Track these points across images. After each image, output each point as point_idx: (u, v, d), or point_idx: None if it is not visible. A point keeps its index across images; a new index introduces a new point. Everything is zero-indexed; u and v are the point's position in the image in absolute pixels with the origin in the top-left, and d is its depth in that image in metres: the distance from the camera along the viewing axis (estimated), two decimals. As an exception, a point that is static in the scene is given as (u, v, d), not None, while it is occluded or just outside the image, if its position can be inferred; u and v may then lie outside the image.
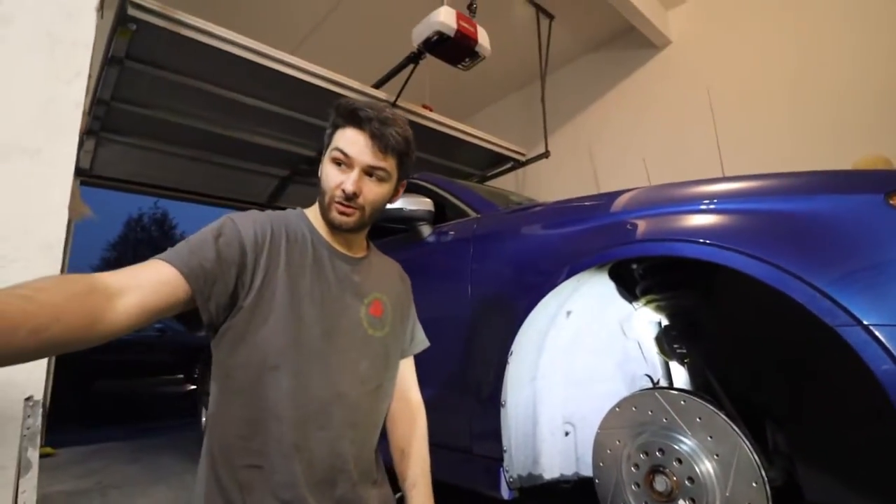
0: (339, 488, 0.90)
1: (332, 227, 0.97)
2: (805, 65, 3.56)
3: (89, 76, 1.53)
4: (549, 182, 4.93)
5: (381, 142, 0.93)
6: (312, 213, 1.03)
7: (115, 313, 0.68)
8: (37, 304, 0.58)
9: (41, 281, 0.63)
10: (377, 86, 3.49)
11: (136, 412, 5.58)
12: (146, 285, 0.73)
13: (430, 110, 3.70)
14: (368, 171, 0.94)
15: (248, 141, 3.72)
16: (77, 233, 4.03)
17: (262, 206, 4.87)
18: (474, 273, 1.65)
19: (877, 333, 0.81)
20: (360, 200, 0.94)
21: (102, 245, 29.38)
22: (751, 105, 3.75)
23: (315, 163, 4.18)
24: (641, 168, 3.65)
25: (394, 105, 3.40)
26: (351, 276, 0.99)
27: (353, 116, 0.93)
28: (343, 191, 0.93)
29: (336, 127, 0.96)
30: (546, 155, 4.32)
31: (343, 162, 0.94)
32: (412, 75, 3.34)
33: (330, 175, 0.95)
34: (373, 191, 0.96)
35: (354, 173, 0.93)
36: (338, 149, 0.93)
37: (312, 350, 0.90)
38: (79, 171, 3.86)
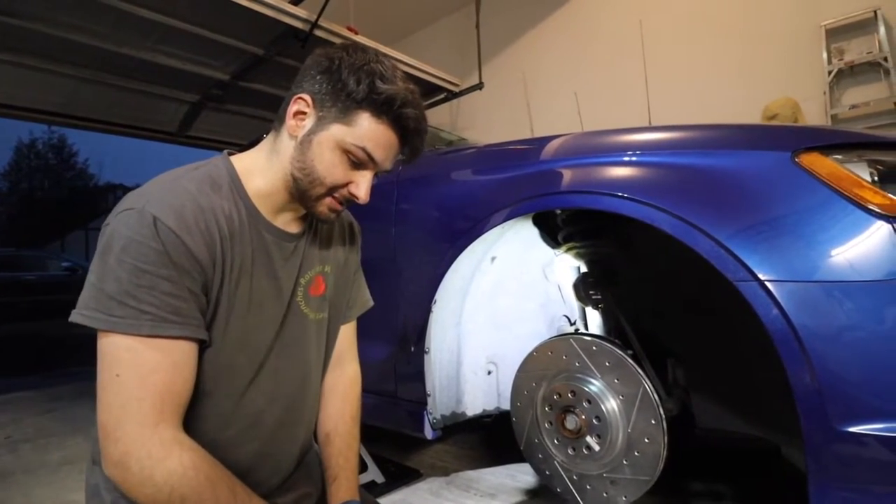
0: (272, 480, 0.83)
1: (314, 217, 0.82)
2: (729, 4, 3.62)
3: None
4: (483, 114, 4.82)
5: (412, 157, 0.80)
6: (245, 170, 0.77)
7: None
8: None
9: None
10: (295, 2, 3.14)
11: (48, 358, 5.23)
12: (184, 391, 0.67)
13: (356, 33, 3.42)
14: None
15: (148, 61, 3.30)
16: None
17: (171, 136, 4.44)
18: (398, 218, 1.59)
19: (770, 288, 0.86)
20: None
21: (-10, 176, 25.90)
22: (678, 41, 3.79)
23: (228, 87, 3.84)
24: (573, 102, 3.64)
25: (315, 26, 3.09)
26: (293, 255, 0.82)
27: (397, 119, 0.74)
28: (353, 195, 0.76)
29: (360, 105, 0.72)
30: (480, 86, 4.19)
31: (359, 162, 0.75)
32: (335, -9, 3.03)
33: (336, 167, 0.74)
34: None
35: (369, 178, 0.77)
36: (363, 148, 0.73)
37: (250, 364, 0.76)
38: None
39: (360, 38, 3.39)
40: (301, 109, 0.74)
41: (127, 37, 3.05)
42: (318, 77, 0.74)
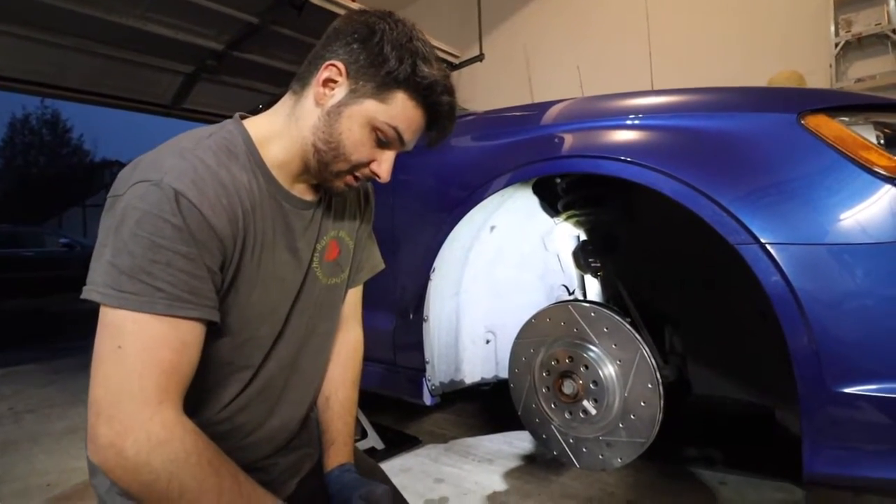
0: (279, 438, 0.83)
1: (328, 190, 0.79)
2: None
3: None
4: (484, 87, 4.75)
5: (438, 140, 0.77)
6: (261, 137, 0.73)
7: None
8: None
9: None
10: (291, -33, 3.05)
11: (49, 332, 5.25)
12: (189, 372, 0.62)
13: (354, 1, 3.33)
14: None
15: (139, 29, 3.20)
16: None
17: (166, 108, 4.36)
18: (397, 185, 1.57)
19: (771, 251, 0.86)
20: None
21: (-16, 152, 25.54)
22: (682, 11, 3.71)
23: (222, 58, 3.75)
24: (575, 75, 3.58)
25: (311, -8, 3.01)
26: (311, 223, 0.80)
27: (433, 105, 0.71)
28: (374, 173, 0.73)
29: (399, 85, 0.68)
30: (480, 58, 4.11)
31: (387, 141, 0.71)
32: (331, -43, 2.94)
33: (363, 144, 0.71)
34: None
35: (392, 158, 0.74)
36: (395, 128, 0.70)
37: (271, 334, 0.75)
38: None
39: (358, 6, 3.32)
40: (332, 77, 0.69)
41: (116, 3, 2.97)
42: (354, 46, 0.69)
